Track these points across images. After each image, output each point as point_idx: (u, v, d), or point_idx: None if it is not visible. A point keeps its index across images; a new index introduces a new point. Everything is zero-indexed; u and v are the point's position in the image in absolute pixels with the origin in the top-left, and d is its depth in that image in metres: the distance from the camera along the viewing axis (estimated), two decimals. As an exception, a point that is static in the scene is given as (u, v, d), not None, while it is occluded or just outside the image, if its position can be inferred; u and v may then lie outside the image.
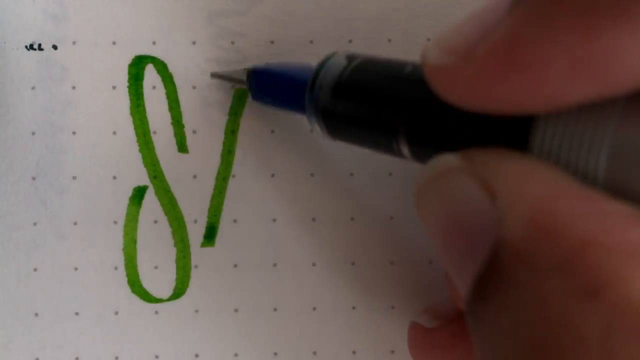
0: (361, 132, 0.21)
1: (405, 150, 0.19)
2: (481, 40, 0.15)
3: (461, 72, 0.16)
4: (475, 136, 0.17)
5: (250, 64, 0.27)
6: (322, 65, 0.22)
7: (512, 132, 0.16)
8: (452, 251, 0.16)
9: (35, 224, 0.27)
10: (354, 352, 0.27)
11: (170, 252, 0.27)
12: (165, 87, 0.27)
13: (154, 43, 0.27)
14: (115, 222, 0.27)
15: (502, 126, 0.16)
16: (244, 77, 0.26)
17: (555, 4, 0.14)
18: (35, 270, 0.27)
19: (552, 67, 0.14)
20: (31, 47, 0.27)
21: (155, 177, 0.27)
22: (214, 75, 0.27)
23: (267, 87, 0.25)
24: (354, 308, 0.27)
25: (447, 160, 0.17)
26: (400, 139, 0.19)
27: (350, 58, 0.21)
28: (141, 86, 0.27)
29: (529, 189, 0.14)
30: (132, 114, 0.27)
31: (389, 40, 0.27)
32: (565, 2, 0.14)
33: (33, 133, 0.27)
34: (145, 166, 0.27)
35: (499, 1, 0.16)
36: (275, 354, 0.27)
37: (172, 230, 0.27)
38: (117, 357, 0.27)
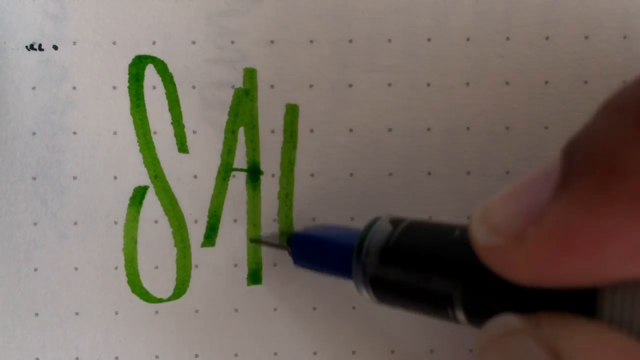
0: (412, 299, 0.20)
1: (461, 316, 0.19)
2: (531, 224, 0.15)
3: (513, 254, 0.16)
4: (537, 302, 0.17)
5: (249, 64, 0.27)
6: (367, 230, 0.22)
7: (577, 299, 0.16)
8: None
9: (35, 224, 0.27)
10: (353, 352, 0.27)
11: (171, 252, 0.27)
12: (166, 87, 0.27)
13: (154, 43, 0.27)
14: (116, 222, 0.27)
15: (565, 293, 0.16)
16: (284, 243, 0.26)
17: (604, 189, 0.14)
18: (35, 270, 0.27)
19: (609, 252, 0.14)
20: (31, 47, 0.27)
21: (155, 177, 0.27)
22: (253, 240, 0.27)
23: (309, 252, 0.25)
24: (354, 308, 0.27)
25: (509, 321, 0.17)
26: (456, 306, 0.19)
27: (395, 222, 0.21)
28: (141, 86, 0.27)
29: (601, 359, 0.14)
30: (132, 114, 0.27)
31: (389, 40, 0.27)
32: (615, 188, 0.14)
33: (33, 133, 0.27)
34: (145, 166, 0.27)
35: (541, 177, 0.16)
36: (275, 354, 0.27)
37: (172, 230, 0.27)
38: (117, 357, 0.27)
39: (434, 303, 0.19)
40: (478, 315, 0.18)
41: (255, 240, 0.27)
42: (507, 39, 0.27)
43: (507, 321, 0.17)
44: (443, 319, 0.19)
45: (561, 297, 0.16)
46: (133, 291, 0.27)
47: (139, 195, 0.27)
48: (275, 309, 0.27)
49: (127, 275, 0.27)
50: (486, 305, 0.18)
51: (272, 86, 0.27)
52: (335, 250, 0.23)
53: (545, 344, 0.15)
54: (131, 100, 0.27)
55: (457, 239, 0.19)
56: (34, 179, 0.27)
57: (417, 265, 0.20)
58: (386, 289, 0.21)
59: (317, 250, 0.24)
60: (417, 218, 0.21)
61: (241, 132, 0.27)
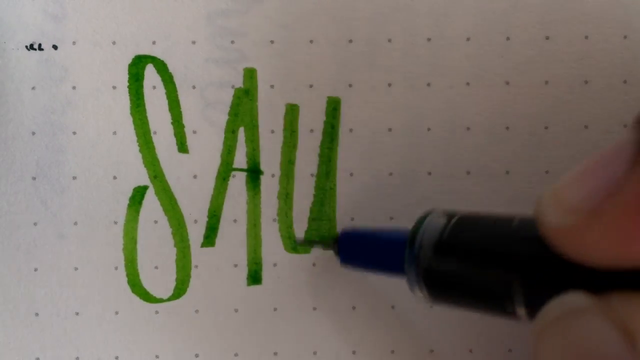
0: (468, 293, 0.20)
1: (521, 311, 0.18)
2: (608, 197, 0.15)
3: (589, 232, 0.15)
4: (603, 289, 0.16)
5: (249, 64, 0.27)
6: (419, 223, 0.21)
7: None
8: None
9: (35, 224, 0.27)
10: (354, 352, 0.27)
11: (170, 252, 0.27)
12: (165, 87, 0.27)
13: (153, 43, 0.27)
14: (116, 222, 0.27)
15: (637, 275, 0.15)
16: (329, 244, 0.26)
17: None
18: (35, 270, 0.27)
19: None
20: (31, 47, 0.27)
21: (155, 177, 0.27)
22: (299, 241, 0.27)
23: (358, 250, 0.24)
24: (354, 308, 0.27)
25: (575, 299, 0.16)
26: (516, 300, 0.18)
27: (449, 215, 0.21)
28: (141, 86, 0.27)
29: None
30: (132, 113, 0.27)
31: (389, 40, 0.27)
32: None
33: (33, 133, 0.27)
34: (145, 166, 0.27)
35: (613, 155, 0.15)
36: (275, 354, 0.27)
37: (172, 230, 0.27)
38: (117, 357, 0.27)
39: (491, 296, 0.19)
40: (539, 308, 0.17)
41: (302, 242, 0.27)
42: (507, 39, 0.27)
43: (572, 300, 0.16)
44: (499, 314, 0.19)
45: (633, 279, 0.15)
46: (133, 291, 0.27)
47: (138, 195, 0.27)
48: (275, 309, 0.27)
49: (127, 275, 0.27)
50: (549, 297, 0.17)
51: (272, 86, 0.27)
52: (386, 245, 0.23)
53: (616, 324, 0.15)
54: (131, 100, 0.27)
55: (515, 229, 0.18)
56: (34, 179, 0.27)
57: (474, 257, 0.19)
58: (440, 284, 0.20)
59: (366, 248, 0.24)
60: (472, 210, 0.21)
61: (241, 132, 0.27)
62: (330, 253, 0.27)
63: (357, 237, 0.24)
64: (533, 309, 0.18)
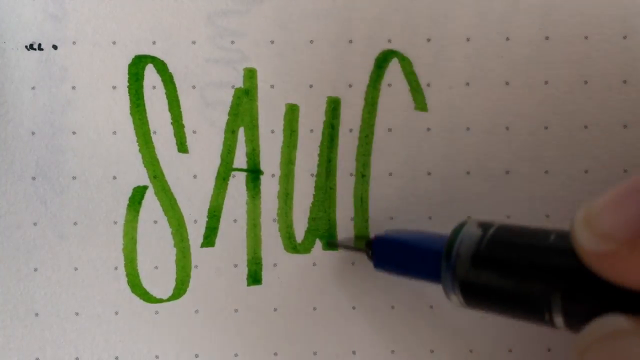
0: (506, 303, 0.20)
1: (559, 321, 0.19)
2: None
3: (626, 260, 0.15)
4: None
5: (249, 64, 0.27)
6: (455, 234, 0.22)
7: None
8: None
9: (35, 224, 0.27)
10: (354, 352, 0.27)
11: (170, 252, 0.27)
12: (165, 87, 0.27)
13: (153, 43, 0.27)
14: (115, 222, 0.27)
15: None
16: (362, 246, 0.26)
17: None
18: (35, 270, 0.27)
19: None
20: (31, 47, 0.27)
21: (155, 177, 0.27)
22: (331, 244, 0.27)
23: (392, 256, 0.25)
24: (354, 308, 0.27)
25: (617, 322, 0.16)
26: (554, 311, 0.19)
27: (484, 226, 0.21)
28: (141, 86, 0.27)
29: None
30: (132, 113, 0.27)
31: (389, 41, 0.27)
32: None
33: (33, 133, 0.27)
34: (145, 166, 0.27)
35: None
36: (275, 354, 0.27)
37: (172, 230, 0.27)
38: (117, 357, 0.27)
39: (530, 307, 0.19)
40: (577, 319, 0.18)
41: (333, 244, 0.27)
42: (507, 39, 0.27)
43: (614, 322, 0.16)
44: (536, 322, 0.19)
45: None
46: (133, 291, 0.27)
47: (138, 195, 0.27)
48: (275, 309, 0.27)
49: (127, 275, 0.27)
50: (587, 309, 0.18)
51: (272, 86, 0.27)
52: (422, 254, 0.23)
53: None
54: (131, 100, 0.27)
55: (553, 243, 0.19)
56: (34, 179, 0.27)
57: (513, 270, 0.20)
58: (477, 293, 0.21)
59: (401, 254, 0.24)
60: (506, 222, 0.21)
61: (241, 132, 0.27)
62: (330, 253, 0.27)
63: (391, 243, 0.25)
64: (571, 318, 0.18)
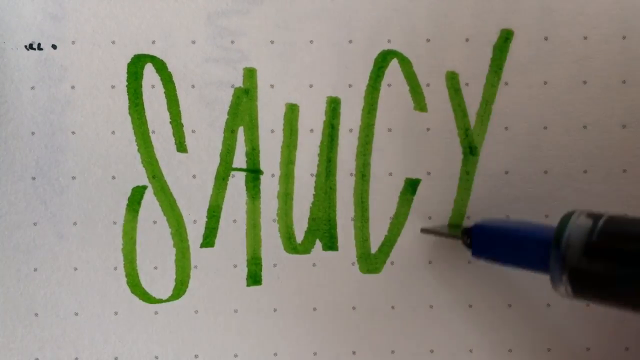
0: (618, 292, 0.20)
1: None
2: None
3: None
4: None
5: (249, 64, 0.27)
6: (564, 224, 0.22)
7: None
8: None
9: (35, 224, 0.27)
10: (354, 352, 0.27)
11: (170, 253, 0.27)
12: (164, 87, 0.27)
13: (153, 42, 0.27)
14: (115, 223, 0.27)
15: None
16: (458, 233, 0.26)
17: None
18: (35, 270, 0.27)
19: None
20: (30, 46, 0.27)
21: (154, 177, 0.27)
22: (424, 230, 0.27)
23: (494, 244, 0.24)
24: (354, 308, 0.27)
25: None
26: None
27: (594, 216, 0.21)
28: (140, 85, 0.27)
29: None
30: (130, 113, 0.27)
31: (389, 41, 0.27)
32: None
33: (33, 133, 0.27)
34: (144, 166, 0.27)
35: None
36: (275, 354, 0.27)
37: (171, 230, 0.27)
38: (116, 357, 0.27)
39: None
40: None
41: (427, 231, 0.27)
42: (507, 39, 0.27)
43: None
44: None
45: None
46: (132, 291, 0.27)
47: (137, 195, 0.27)
48: (275, 309, 0.27)
49: (127, 275, 0.27)
50: None
51: (272, 86, 0.27)
52: (528, 243, 0.23)
53: None
54: (130, 99, 0.27)
55: None
56: (34, 178, 0.27)
57: (628, 259, 0.20)
58: (588, 283, 0.21)
59: (503, 243, 0.24)
60: (618, 213, 0.21)
61: (241, 132, 0.27)
62: (330, 253, 0.27)
63: (493, 231, 0.25)
64: None
